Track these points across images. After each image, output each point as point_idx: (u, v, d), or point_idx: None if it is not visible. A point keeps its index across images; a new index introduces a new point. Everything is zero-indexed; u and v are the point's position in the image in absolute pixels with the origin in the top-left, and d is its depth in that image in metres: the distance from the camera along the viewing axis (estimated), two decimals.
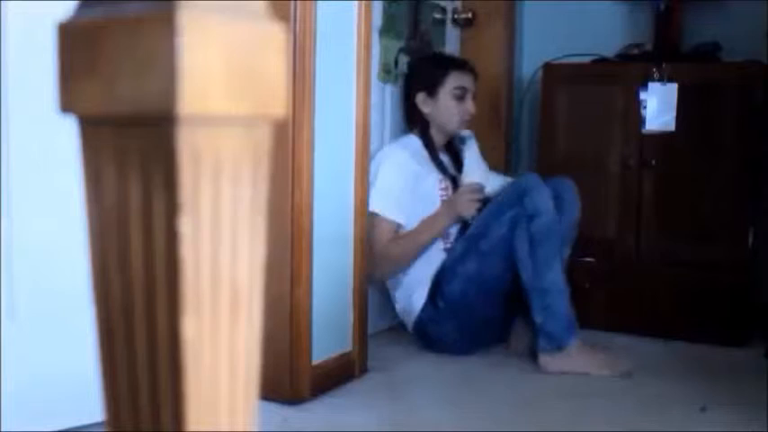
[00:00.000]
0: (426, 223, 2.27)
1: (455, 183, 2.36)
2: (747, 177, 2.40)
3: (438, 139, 2.41)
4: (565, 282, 2.12)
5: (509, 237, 2.13)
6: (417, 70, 2.44)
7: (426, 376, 2.09)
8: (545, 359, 2.11)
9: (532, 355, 2.15)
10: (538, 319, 2.10)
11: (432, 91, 2.36)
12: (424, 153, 2.37)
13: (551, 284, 2.09)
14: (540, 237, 2.08)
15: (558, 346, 2.09)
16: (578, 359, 2.08)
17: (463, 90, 2.36)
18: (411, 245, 2.25)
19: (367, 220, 2.11)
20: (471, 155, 2.33)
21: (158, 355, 0.41)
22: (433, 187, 2.32)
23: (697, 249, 2.44)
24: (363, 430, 1.64)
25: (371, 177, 2.15)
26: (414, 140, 2.39)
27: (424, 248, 2.25)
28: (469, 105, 2.38)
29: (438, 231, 2.27)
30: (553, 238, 2.10)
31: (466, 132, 2.36)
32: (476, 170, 2.33)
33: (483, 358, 2.21)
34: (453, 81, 2.36)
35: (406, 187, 2.26)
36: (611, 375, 2.06)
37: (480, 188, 2.27)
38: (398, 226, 2.26)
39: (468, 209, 2.23)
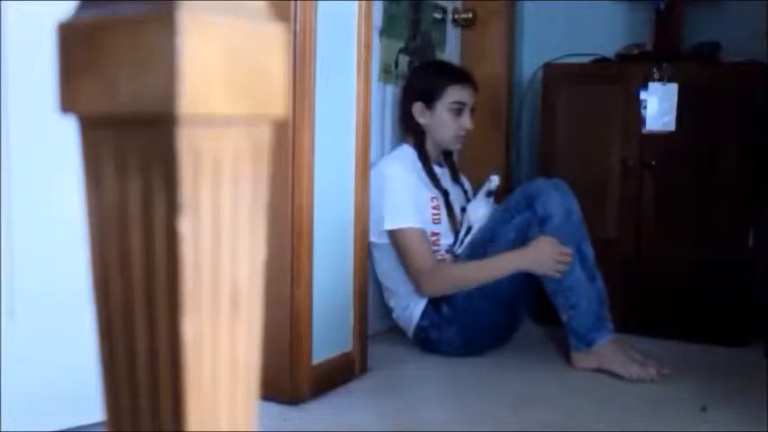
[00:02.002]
0: (499, 260, 2.15)
1: (447, 196, 2.34)
2: (747, 177, 2.40)
3: (432, 150, 2.38)
4: (591, 279, 2.11)
5: (518, 242, 2.13)
6: (416, 79, 2.40)
7: (426, 376, 2.09)
8: (575, 356, 2.13)
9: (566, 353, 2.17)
10: (564, 317, 2.12)
11: (429, 103, 2.32)
12: (418, 164, 2.34)
13: (574, 283, 2.09)
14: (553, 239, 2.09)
15: (588, 343, 2.10)
16: (608, 357, 2.07)
17: (461, 105, 2.32)
18: (477, 274, 2.15)
19: (393, 240, 2.16)
20: (487, 190, 2.32)
21: (158, 355, 0.41)
22: (425, 205, 2.28)
23: (697, 249, 2.44)
24: (363, 430, 1.64)
25: (373, 193, 2.10)
26: (408, 151, 2.36)
27: (484, 282, 2.15)
28: (466, 121, 2.34)
29: (505, 272, 2.14)
30: (566, 238, 2.10)
31: (495, 180, 2.32)
32: (482, 205, 2.32)
33: (483, 358, 2.21)
34: (452, 95, 2.32)
35: (414, 195, 2.24)
36: (643, 378, 2.02)
37: (568, 252, 2.11)
38: (424, 232, 2.22)
39: (552, 269, 2.09)
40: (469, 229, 2.29)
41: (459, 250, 2.27)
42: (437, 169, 2.39)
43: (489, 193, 2.32)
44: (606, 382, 2.02)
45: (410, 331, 2.27)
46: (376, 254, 2.29)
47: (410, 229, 2.18)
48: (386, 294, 2.34)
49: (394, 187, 2.20)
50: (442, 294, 2.19)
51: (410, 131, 2.39)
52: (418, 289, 2.19)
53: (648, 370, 2.03)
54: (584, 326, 2.09)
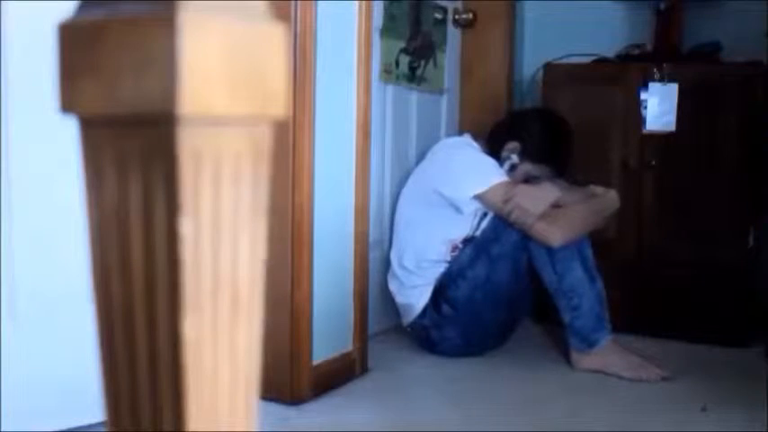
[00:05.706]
0: (590, 205, 2.19)
1: None
2: (747, 177, 2.40)
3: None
4: (592, 280, 2.10)
5: (520, 242, 2.13)
6: (535, 132, 2.28)
7: (427, 376, 2.09)
8: (576, 356, 2.13)
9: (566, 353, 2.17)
10: (566, 318, 2.12)
11: (522, 155, 2.26)
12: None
13: (575, 284, 2.09)
14: None
15: (589, 344, 2.10)
16: (610, 358, 2.08)
17: (535, 178, 2.26)
18: (581, 218, 2.15)
19: (489, 197, 2.14)
20: None
21: (158, 355, 0.41)
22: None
23: (697, 250, 2.44)
24: (364, 430, 1.64)
25: (444, 164, 2.21)
26: (473, 144, 2.35)
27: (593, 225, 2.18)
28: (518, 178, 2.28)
29: (599, 215, 2.20)
30: None
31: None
32: None
33: (483, 358, 2.21)
34: (544, 171, 2.26)
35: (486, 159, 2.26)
36: (646, 380, 2.03)
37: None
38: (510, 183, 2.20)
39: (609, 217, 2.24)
40: (485, 214, 2.26)
41: (477, 232, 2.25)
42: None
43: None
44: (606, 382, 2.02)
45: (406, 320, 2.28)
46: (402, 230, 2.30)
47: (499, 184, 2.15)
48: (388, 278, 2.33)
49: (472, 153, 2.24)
50: (571, 240, 2.10)
51: (489, 144, 2.33)
52: (551, 245, 2.09)
53: (650, 371, 2.04)
54: (586, 327, 2.09)
